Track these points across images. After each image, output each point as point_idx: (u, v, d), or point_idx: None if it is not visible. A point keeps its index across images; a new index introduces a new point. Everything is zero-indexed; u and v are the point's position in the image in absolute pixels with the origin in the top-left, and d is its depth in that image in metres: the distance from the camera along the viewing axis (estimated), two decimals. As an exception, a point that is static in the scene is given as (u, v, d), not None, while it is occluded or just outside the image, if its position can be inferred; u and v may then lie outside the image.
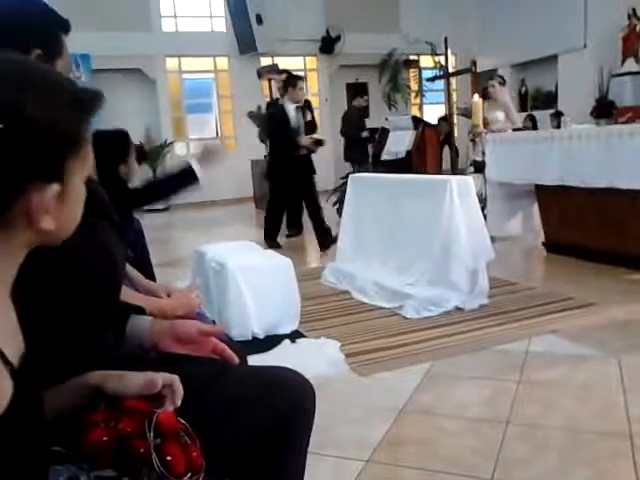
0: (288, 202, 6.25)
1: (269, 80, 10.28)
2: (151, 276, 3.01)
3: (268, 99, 8.60)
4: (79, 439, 0.79)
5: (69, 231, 0.77)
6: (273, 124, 6.24)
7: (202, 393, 1.12)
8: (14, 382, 0.67)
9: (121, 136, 2.90)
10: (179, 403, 0.90)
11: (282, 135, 5.86)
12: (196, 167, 2.54)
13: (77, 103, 0.73)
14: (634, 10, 8.98)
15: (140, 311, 1.42)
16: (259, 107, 8.84)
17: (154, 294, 1.78)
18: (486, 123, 6.30)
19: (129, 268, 2.06)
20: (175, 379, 0.92)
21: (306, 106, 6.68)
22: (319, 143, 6.07)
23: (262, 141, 7.77)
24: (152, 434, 0.80)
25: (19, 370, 0.69)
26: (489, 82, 6.74)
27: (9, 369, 0.67)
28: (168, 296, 1.79)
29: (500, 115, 6.43)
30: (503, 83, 6.69)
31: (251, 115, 8.21)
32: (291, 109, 5.89)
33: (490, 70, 11.72)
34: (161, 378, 0.90)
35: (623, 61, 9.26)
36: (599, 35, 9.46)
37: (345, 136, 9.13)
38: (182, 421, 0.86)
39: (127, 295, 1.62)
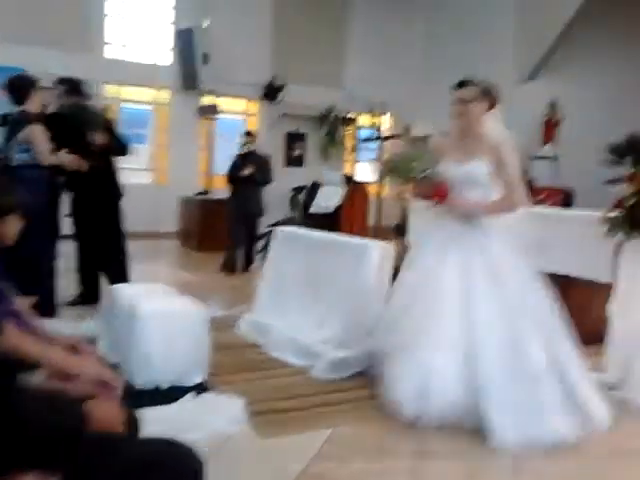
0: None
1: (208, 119, 10.31)
2: None
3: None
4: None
5: None
6: None
7: (89, 472, 1.09)
8: None
9: None
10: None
11: None
12: None
13: None
14: (552, 103, 10.45)
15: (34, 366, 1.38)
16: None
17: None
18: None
19: (29, 316, 1.97)
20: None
21: None
22: None
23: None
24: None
25: None
26: (462, 92, 3.29)
27: None
28: (73, 348, 1.74)
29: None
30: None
31: None
32: None
33: (423, 137, 12.27)
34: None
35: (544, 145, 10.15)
36: (522, 121, 10.25)
37: None
38: None
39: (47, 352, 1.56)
